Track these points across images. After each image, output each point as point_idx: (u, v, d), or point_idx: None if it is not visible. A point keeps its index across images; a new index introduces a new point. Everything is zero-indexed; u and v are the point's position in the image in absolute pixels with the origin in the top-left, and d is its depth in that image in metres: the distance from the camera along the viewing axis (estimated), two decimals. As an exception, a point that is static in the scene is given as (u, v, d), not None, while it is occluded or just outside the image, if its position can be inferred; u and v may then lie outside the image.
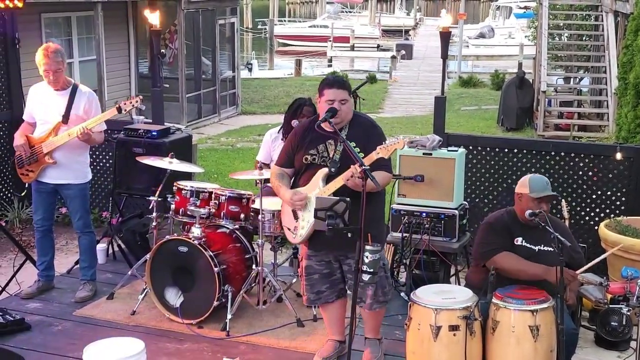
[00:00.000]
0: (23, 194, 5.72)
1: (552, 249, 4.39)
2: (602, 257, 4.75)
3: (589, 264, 4.54)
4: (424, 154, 5.70)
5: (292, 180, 4.67)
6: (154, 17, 6.81)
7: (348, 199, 4.09)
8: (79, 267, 6.01)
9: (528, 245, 4.59)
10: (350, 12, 48.03)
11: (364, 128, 4.52)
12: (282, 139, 6.01)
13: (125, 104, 5.51)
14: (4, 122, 7.89)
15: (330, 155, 4.46)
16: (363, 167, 4.06)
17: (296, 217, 4.55)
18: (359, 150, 4.29)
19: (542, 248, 4.56)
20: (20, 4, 6.88)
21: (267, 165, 6.00)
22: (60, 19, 13.10)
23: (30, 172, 5.60)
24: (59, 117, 5.48)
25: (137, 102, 5.54)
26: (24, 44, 8.26)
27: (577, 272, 4.49)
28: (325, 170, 4.44)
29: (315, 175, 4.47)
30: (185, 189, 5.60)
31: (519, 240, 4.61)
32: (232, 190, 5.70)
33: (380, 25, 40.44)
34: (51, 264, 5.91)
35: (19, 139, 5.59)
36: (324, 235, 4.30)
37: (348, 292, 4.69)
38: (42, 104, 5.56)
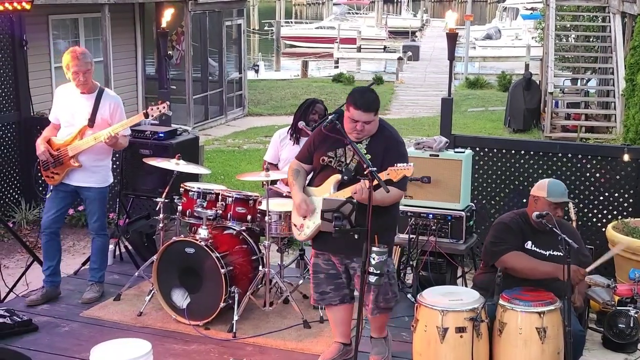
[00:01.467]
0: (48, 195, 5.72)
1: (562, 254, 4.37)
2: (609, 254, 4.69)
3: (598, 262, 4.51)
4: (430, 155, 5.70)
5: (308, 177, 4.68)
6: (167, 18, 6.82)
7: (355, 200, 4.09)
8: (87, 268, 6.01)
9: (538, 250, 4.58)
10: (356, 13, 48.08)
11: (386, 143, 4.46)
12: (290, 140, 6.02)
13: (152, 109, 5.53)
14: (12, 123, 7.92)
15: (347, 162, 4.43)
16: (370, 169, 4.06)
17: (304, 216, 4.56)
18: (369, 159, 4.27)
19: (552, 253, 4.55)
20: (28, 7, 6.90)
21: (275, 166, 6.01)
22: (67, 20, 13.13)
23: (56, 174, 5.60)
24: (85, 120, 5.49)
25: (164, 107, 5.55)
26: (32, 45, 8.29)
27: (587, 269, 4.46)
28: (337, 176, 4.43)
29: (328, 180, 4.47)
30: (192, 191, 5.61)
31: (529, 244, 4.60)
32: (239, 192, 5.71)
33: (387, 27, 40.43)
34: (57, 270, 5.81)
35: (40, 147, 5.59)
36: (327, 237, 4.32)
37: (356, 292, 4.68)
38: (68, 107, 5.56)
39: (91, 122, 5.50)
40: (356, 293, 4.61)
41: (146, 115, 5.52)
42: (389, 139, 4.49)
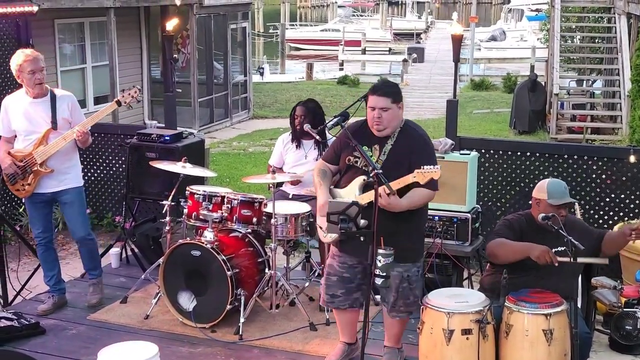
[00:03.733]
0: (22, 208, 5.59)
1: (562, 249, 4.39)
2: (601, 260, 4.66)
3: (589, 260, 4.50)
4: (436, 157, 5.68)
5: (335, 178, 4.65)
6: (172, 24, 6.83)
7: (360, 202, 4.10)
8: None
9: None
10: (361, 15, 48.10)
11: (412, 142, 4.44)
12: (291, 143, 6.05)
13: (123, 96, 5.43)
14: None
15: (374, 160, 4.39)
16: (376, 171, 4.07)
17: None
18: (396, 161, 4.27)
19: (556, 250, 4.54)
20: (34, 11, 6.93)
21: (280, 170, 6.01)
22: (73, 24, 13.17)
23: (27, 185, 5.42)
24: (46, 125, 5.34)
25: (135, 92, 5.45)
26: (38, 49, 8.19)
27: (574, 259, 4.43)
28: (362, 178, 4.39)
29: (354, 181, 4.44)
30: (197, 193, 5.61)
31: None
32: (244, 195, 5.71)
33: (392, 29, 40.44)
34: (60, 277, 5.78)
35: (5, 161, 5.40)
36: (354, 240, 4.27)
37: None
38: (23, 115, 5.37)
39: (54, 124, 5.34)
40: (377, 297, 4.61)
41: (119, 104, 5.39)
42: (417, 139, 4.47)
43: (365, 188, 4.39)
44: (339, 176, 4.64)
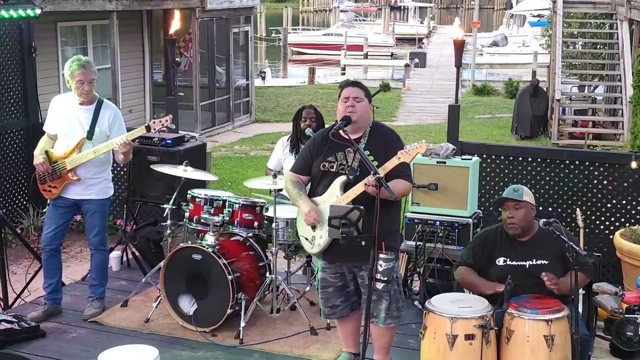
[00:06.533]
0: (45, 209, 5.61)
1: (546, 262, 4.42)
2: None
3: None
4: (437, 162, 5.70)
5: (309, 188, 4.64)
6: (174, 26, 6.85)
7: (362, 207, 4.08)
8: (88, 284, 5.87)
9: (514, 263, 4.53)
10: (364, 20, 48.13)
11: (384, 138, 4.48)
12: (289, 148, 6.05)
13: (154, 122, 5.42)
14: (20, 129, 7.96)
15: (349, 163, 4.41)
16: (377, 176, 4.06)
17: (314, 227, 4.50)
18: (373, 159, 4.27)
19: (533, 263, 4.50)
20: (36, 14, 6.94)
21: (280, 173, 6.01)
22: (75, 27, 13.20)
23: (54, 188, 5.46)
24: (83, 132, 5.37)
25: (167, 121, 5.43)
26: (40, 52, 8.33)
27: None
28: (343, 178, 4.39)
29: (333, 183, 4.42)
30: (199, 197, 5.62)
31: (500, 261, 4.57)
32: (246, 198, 5.71)
33: (394, 34, 40.46)
34: (58, 287, 5.70)
35: (38, 157, 5.44)
36: (338, 246, 4.28)
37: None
38: (65, 117, 5.42)
39: (90, 134, 5.38)
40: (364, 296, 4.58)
41: (148, 129, 5.39)
42: (386, 135, 4.53)
43: (346, 187, 4.38)
44: (312, 186, 4.60)
